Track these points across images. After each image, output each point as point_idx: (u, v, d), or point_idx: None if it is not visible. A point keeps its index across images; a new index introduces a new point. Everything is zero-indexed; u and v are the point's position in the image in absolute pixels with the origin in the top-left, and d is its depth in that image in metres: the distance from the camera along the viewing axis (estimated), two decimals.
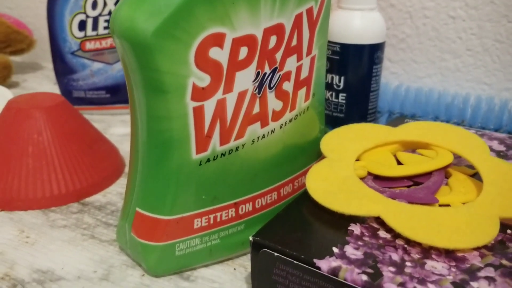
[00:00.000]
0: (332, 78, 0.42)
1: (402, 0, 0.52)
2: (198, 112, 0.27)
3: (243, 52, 0.27)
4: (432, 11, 0.51)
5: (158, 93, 0.26)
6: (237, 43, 0.27)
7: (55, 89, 0.68)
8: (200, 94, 0.27)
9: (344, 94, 0.42)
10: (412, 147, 0.35)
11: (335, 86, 0.42)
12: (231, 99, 0.28)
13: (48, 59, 0.81)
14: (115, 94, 0.57)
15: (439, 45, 0.52)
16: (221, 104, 0.28)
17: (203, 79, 0.27)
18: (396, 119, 0.41)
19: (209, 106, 0.27)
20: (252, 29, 0.27)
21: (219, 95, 0.27)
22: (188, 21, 0.25)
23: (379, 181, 0.31)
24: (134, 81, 0.27)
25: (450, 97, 0.48)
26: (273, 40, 0.29)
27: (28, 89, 0.69)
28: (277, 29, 0.28)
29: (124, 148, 0.49)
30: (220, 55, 0.27)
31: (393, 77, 0.55)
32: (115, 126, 0.55)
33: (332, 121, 0.44)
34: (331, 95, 0.43)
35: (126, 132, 0.53)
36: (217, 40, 0.26)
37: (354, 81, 0.42)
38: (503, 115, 0.46)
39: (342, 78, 0.42)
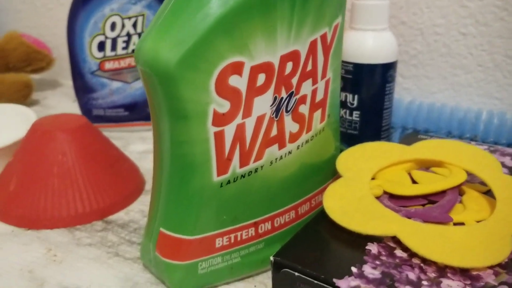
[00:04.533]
0: (346, 96, 0.43)
1: (413, 17, 0.53)
2: (219, 137, 0.28)
3: (261, 78, 0.29)
4: (443, 28, 0.52)
5: (181, 119, 0.28)
6: (255, 70, 0.28)
7: (74, 106, 0.70)
8: (220, 119, 0.28)
9: (358, 112, 0.43)
10: (426, 165, 0.36)
11: (349, 104, 0.43)
12: (250, 123, 0.29)
13: (67, 77, 0.83)
14: (133, 112, 0.59)
15: (450, 61, 0.53)
16: (240, 128, 0.29)
17: (223, 106, 0.28)
18: (410, 135, 0.42)
19: (229, 131, 0.29)
20: (269, 56, 0.28)
21: (238, 120, 0.29)
22: (209, 52, 0.26)
23: (394, 200, 0.32)
24: (158, 108, 0.28)
25: (463, 112, 0.49)
26: (289, 66, 0.30)
27: (48, 107, 0.71)
28: (293, 56, 0.30)
29: (144, 165, 0.50)
30: (239, 82, 0.28)
31: (405, 92, 0.56)
32: (134, 143, 0.56)
33: (347, 138, 0.45)
34: (345, 112, 0.44)
35: (145, 149, 0.55)
36: (236, 68, 0.27)
37: (368, 99, 0.43)
38: None
39: (356, 96, 0.43)
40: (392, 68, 0.43)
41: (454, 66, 0.53)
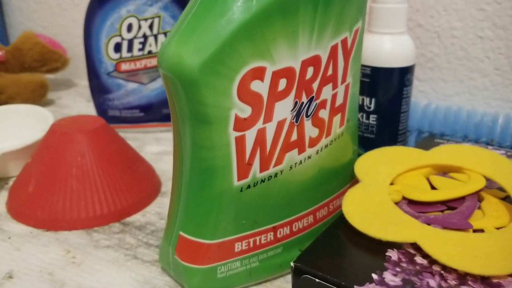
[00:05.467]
0: (363, 100, 0.43)
1: (430, 20, 0.53)
2: (240, 142, 0.28)
3: (282, 83, 0.29)
4: (460, 31, 0.52)
5: (203, 124, 0.28)
6: (277, 75, 0.28)
7: (89, 106, 0.70)
8: (241, 124, 0.28)
9: (375, 116, 0.43)
10: (444, 171, 0.36)
11: (365, 108, 0.43)
12: (270, 128, 0.29)
13: (81, 77, 0.83)
14: (148, 113, 0.59)
15: (467, 64, 0.52)
16: (261, 133, 0.29)
17: (245, 111, 0.28)
18: (426, 139, 0.42)
19: (250, 136, 0.29)
20: (290, 61, 0.28)
21: (259, 124, 0.29)
22: (231, 57, 0.26)
23: (413, 205, 0.32)
24: (180, 112, 0.29)
25: (479, 116, 0.49)
26: (310, 71, 0.30)
27: (63, 107, 0.71)
28: (314, 61, 0.30)
29: (159, 167, 0.50)
30: (260, 87, 0.28)
31: (421, 95, 0.56)
32: (150, 144, 0.57)
33: (363, 142, 0.45)
34: (362, 116, 0.44)
35: (160, 150, 0.55)
36: (258, 73, 0.27)
37: (385, 103, 0.43)
38: None
39: (373, 100, 0.43)
40: (410, 72, 0.43)
41: (471, 69, 0.52)
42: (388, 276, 0.26)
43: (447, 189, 0.33)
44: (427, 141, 0.41)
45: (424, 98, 0.56)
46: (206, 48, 0.26)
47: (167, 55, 0.27)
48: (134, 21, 0.56)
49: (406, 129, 0.45)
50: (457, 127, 0.49)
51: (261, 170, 0.30)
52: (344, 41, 0.31)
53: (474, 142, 0.48)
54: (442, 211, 0.32)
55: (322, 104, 0.32)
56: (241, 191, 0.30)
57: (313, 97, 0.31)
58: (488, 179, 0.35)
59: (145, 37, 0.56)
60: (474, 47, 0.51)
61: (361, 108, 0.44)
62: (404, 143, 0.46)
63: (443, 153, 0.36)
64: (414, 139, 0.50)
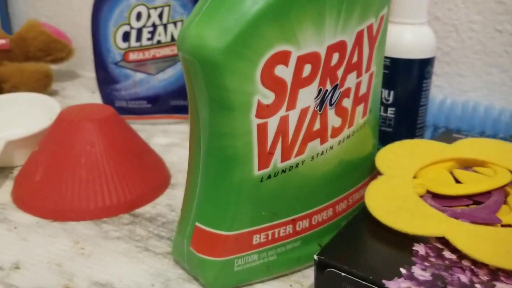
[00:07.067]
0: (381, 92, 0.42)
1: (448, 13, 0.51)
2: (262, 129, 0.27)
3: (307, 69, 0.27)
4: (479, 25, 0.50)
5: (224, 110, 0.26)
6: (302, 60, 0.27)
7: (93, 97, 0.69)
8: (264, 111, 0.27)
9: (393, 109, 0.42)
10: (468, 165, 0.34)
11: (384, 100, 0.42)
12: (293, 116, 0.28)
13: (85, 68, 0.82)
14: (156, 104, 0.58)
15: (485, 59, 0.51)
16: (284, 121, 0.28)
17: (268, 97, 0.27)
18: (444, 134, 0.41)
19: (273, 123, 0.27)
20: (316, 46, 0.27)
21: (282, 112, 0.27)
22: (256, 40, 0.25)
23: (438, 199, 0.31)
24: (199, 97, 0.27)
25: (497, 112, 0.47)
26: (335, 57, 0.29)
27: (68, 97, 0.70)
28: (340, 46, 0.29)
29: (168, 159, 0.49)
30: (285, 72, 0.27)
31: (437, 90, 0.54)
32: (157, 136, 0.55)
33: (380, 136, 0.43)
34: (380, 109, 0.43)
35: (168, 142, 0.54)
36: (283, 58, 0.26)
37: (404, 95, 0.42)
38: None
39: (392, 92, 0.42)
40: (430, 64, 0.41)
41: (489, 64, 0.51)
42: (417, 271, 0.25)
43: (473, 183, 0.32)
44: (445, 136, 0.40)
45: (440, 93, 0.54)
46: (230, 30, 0.25)
47: (189, 37, 0.26)
48: (143, 9, 0.54)
49: (424, 123, 0.44)
50: (475, 123, 0.48)
51: (282, 160, 0.29)
52: (370, 28, 0.30)
53: (492, 138, 0.47)
54: (467, 205, 0.30)
55: (346, 93, 0.30)
56: (261, 181, 0.28)
57: (337, 84, 0.29)
58: None
59: (154, 26, 0.55)
60: (493, 41, 0.50)
61: None
62: (422, 137, 0.45)
63: (467, 147, 0.35)
64: (430, 134, 0.49)
